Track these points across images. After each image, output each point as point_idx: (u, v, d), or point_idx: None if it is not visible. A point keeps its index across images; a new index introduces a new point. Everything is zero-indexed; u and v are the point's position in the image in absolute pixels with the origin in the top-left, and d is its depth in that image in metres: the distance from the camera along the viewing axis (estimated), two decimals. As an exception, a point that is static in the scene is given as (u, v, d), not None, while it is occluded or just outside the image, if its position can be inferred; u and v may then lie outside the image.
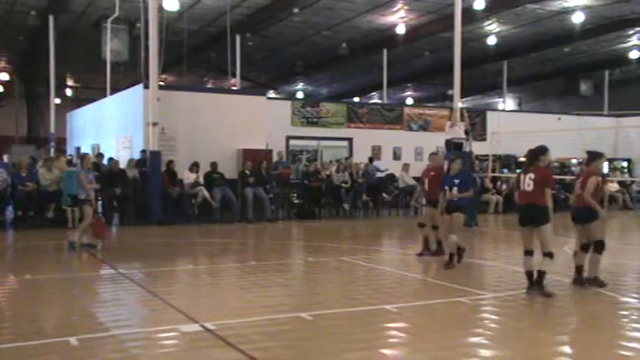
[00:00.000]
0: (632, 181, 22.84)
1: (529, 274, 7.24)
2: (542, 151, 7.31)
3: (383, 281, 8.39)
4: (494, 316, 6.50)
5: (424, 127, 22.39)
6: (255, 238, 14.01)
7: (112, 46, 21.16)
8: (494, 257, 11.04)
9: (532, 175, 7.18)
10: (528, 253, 7.30)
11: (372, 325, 6.19)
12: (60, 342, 5.39)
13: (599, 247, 7.69)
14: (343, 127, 21.22)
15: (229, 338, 5.49)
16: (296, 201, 17.91)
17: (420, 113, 22.80)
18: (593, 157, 7.88)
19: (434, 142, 20.65)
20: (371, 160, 19.96)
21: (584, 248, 7.77)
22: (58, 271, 9.44)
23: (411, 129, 22.27)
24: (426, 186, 10.31)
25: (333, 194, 17.83)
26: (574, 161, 23.27)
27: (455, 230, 9.27)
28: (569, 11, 21.85)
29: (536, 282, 7.13)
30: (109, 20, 20.57)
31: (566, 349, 5.48)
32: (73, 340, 5.38)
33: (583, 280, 7.80)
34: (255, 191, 16.43)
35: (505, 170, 21.46)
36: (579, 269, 7.85)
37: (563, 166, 22.72)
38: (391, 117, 22.15)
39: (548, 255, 7.15)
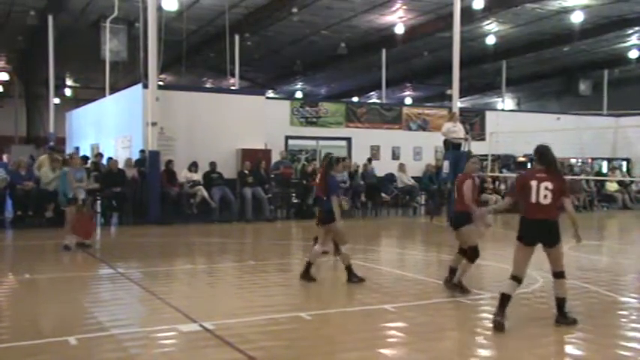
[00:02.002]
0: (632, 181, 22.85)
1: (505, 297, 5.90)
2: (552, 152, 6.06)
3: (382, 281, 8.39)
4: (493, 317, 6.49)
5: (423, 127, 22.39)
6: (254, 238, 14.01)
7: (111, 46, 21.16)
8: (493, 257, 11.04)
9: (550, 185, 5.84)
10: (517, 279, 5.95)
11: (370, 325, 6.18)
12: (59, 341, 5.39)
13: (472, 253, 7.17)
14: (342, 127, 21.21)
15: (228, 338, 5.49)
16: (295, 201, 17.90)
17: (419, 113, 22.79)
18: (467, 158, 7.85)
19: (433, 141, 20.68)
20: (370, 160, 19.95)
21: (461, 252, 7.32)
22: (57, 271, 9.43)
23: (409, 129, 22.27)
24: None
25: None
26: (573, 161, 23.27)
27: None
28: (568, 11, 21.86)
29: (558, 312, 6.07)
30: (108, 20, 20.56)
31: (566, 349, 5.48)
32: (72, 340, 5.38)
33: (449, 281, 7.43)
34: (253, 191, 16.43)
35: (504, 170, 21.46)
36: (451, 270, 7.43)
37: (562, 166, 22.71)
38: (390, 117, 22.14)
39: (563, 275, 6.07)
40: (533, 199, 5.85)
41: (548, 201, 5.83)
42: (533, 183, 5.87)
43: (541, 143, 6.08)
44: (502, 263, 9.98)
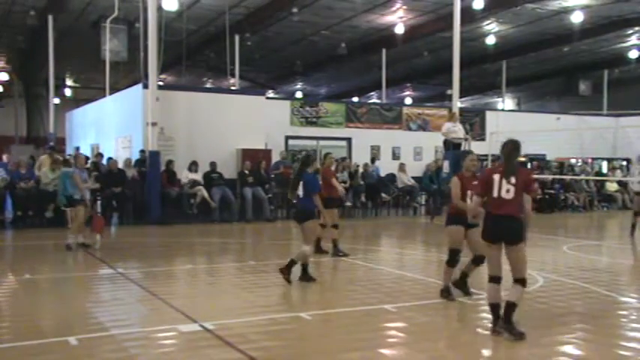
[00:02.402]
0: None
1: (495, 307, 5.70)
2: (519, 146, 5.77)
3: (382, 281, 8.39)
4: (492, 316, 6.49)
5: (423, 127, 22.40)
6: (254, 238, 14.01)
7: (111, 46, 21.16)
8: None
9: (513, 179, 5.56)
10: (495, 279, 5.71)
11: (371, 325, 6.19)
12: (59, 342, 5.39)
13: (449, 255, 7.06)
14: (342, 127, 21.21)
15: (228, 338, 5.49)
16: (295, 201, 17.88)
17: (419, 113, 22.80)
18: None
19: (433, 141, 20.68)
20: (373, 160, 19.95)
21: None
22: (57, 271, 9.44)
23: (409, 129, 22.28)
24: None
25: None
26: (573, 161, 23.29)
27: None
28: (569, 11, 21.87)
29: (504, 317, 5.61)
30: (108, 20, 20.56)
31: (566, 349, 5.48)
32: (72, 340, 5.38)
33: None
34: (254, 191, 16.44)
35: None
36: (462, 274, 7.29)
37: (562, 166, 22.73)
38: (390, 117, 22.15)
39: (522, 282, 5.62)
40: (496, 194, 5.60)
41: (511, 196, 5.54)
42: (496, 177, 5.62)
43: (511, 138, 5.86)
44: (503, 264, 9.99)
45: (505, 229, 5.56)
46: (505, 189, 5.53)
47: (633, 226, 13.22)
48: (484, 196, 5.76)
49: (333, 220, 10.28)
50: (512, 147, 5.70)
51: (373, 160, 19.97)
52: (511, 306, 5.56)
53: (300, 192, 8.24)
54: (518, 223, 5.56)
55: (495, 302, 5.67)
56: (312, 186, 8.22)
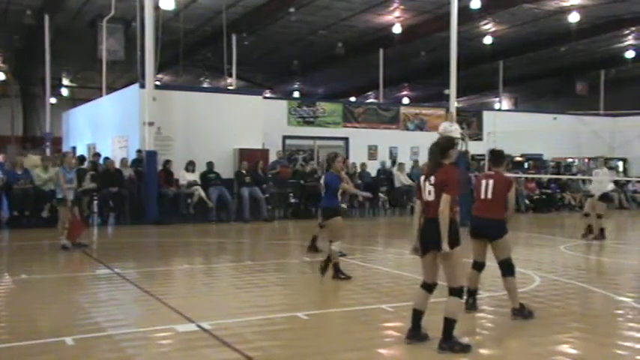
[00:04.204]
0: (628, 181, 22.91)
1: (418, 313, 5.36)
2: (450, 144, 5.38)
3: (379, 281, 8.39)
4: (490, 316, 6.50)
5: (420, 127, 22.41)
6: (252, 238, 14.00)
7: (107, 46, 21.11)
8: (490, 257, 11.04)
9: (432, 180, 5.19)
10: (426, 287, 5.35)
11: (368, 325, 6.18)
12: (56, 342, 5.37)
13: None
14: (339, 127, 21.21)
15: (225, 338, 5.48)
16: (292, 200, 17.90)
17: (416, 113, 22.81)
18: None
19: (430, 141, 20.62)
20: (394, 163, 19.90)
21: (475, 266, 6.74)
22: (54, 271, 9.42)
23: (407, 128, 22.28)
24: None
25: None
26: (570, 160, 23.33)
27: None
28: (565, 11, 21.91)
29: (443, 335, 5.10)
30: (105, 19, 20.52)
31: (563, 348, 5.49)
32: (68, 340, 5.37)
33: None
34: (251, 191, 16.42)
35: (501, 170, 21.46)
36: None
37: (559, 166, 22.78)
38: (387, 116, 22.15)
39: (457, 293, 5.13)
40: (423, 197, 5.25)
41: (431, 198, 5.15)
42: (422, 179, 5.32)
43: (444, 135, 5.64)
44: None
45: (428, 234, 5.16)
46: (427, 190, 5.20)
47: (590, 227, 13.09)
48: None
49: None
50: (433, 146, 5.35)
51: (394, 163, 19.95)
52: (450, 322, 5.06)
53: (323, 191, 8.42)
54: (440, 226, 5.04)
55: (417, 309, 5.34)
56: (334, 184, 8.35)
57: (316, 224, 10.49)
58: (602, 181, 13.25)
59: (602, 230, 12.87)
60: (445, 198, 5.05)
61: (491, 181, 6.31)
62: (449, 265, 5.11)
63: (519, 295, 6.40)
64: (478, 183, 6.49)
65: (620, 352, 5.36)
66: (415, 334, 5.35)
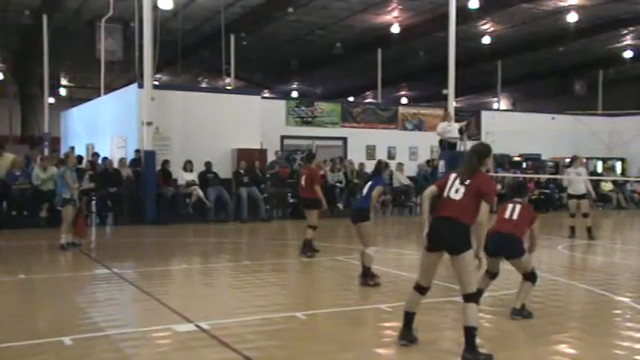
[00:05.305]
0: (626, 181, 22.93)
1: (409, 315, 5.34)
2: (488, 152, 5.28)
3: (378, 280, 8.38)
4: (489, 316, 6.51)
5: (419, 127, 22.41)
6: (250, 238, 14.00)
7: (106, 46, 21.09)
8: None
9: (468, 182, 5.13)
10: (419, 289, 5.31)
11: (366, 325, 6.18)
12: (53, 342, 5.37)
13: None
14: (338, 127, 21.21)
15: (224, 338, 5.48)
16: (291, 200, 17.89)
17: (415, 113, 22.81)
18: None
19: (428, 141, 20.68)
20: (400, 166, 19.76)
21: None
22: (52, 271, 9.41)
23: (405, 128, 22.29)
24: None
25: (328, 194, 17.79)
26: (567, 160, 23.31)
27: None
28: (563, 11, 21.93)
29: (466, 344, 4.95)
30: (103, 19, 20.50)
31: (562, 348, 5.49)
32: (66, 340, 5.36)
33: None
34: (249, 191, 16.42)
35: (499, 169, 21.49)
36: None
37: (558, 166, 22.78)
38: (386, 116, 22.15)
39: (473, 299, 4.95)
40: (448, 194, 5.14)
41: (458, 197, 5.07)
42: (452, 176, 5.24)
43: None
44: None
45: (442, 232, 5.05)
46: (455, 189, 5.13)
47: (573, 228, 13.09)
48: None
49: (312, 222, 10.28)
50: (472, 152, 5.26)
51: (401, 166, 19.78)
52: (469, 330, 4.90)
53: (365, 191, 8.08)
54: None
55: (409, 311, 5.30)
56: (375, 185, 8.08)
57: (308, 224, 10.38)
58: (583, 181, 13.27)
59: (589, 230, 12.82)
60: (485, 208, 5.02)
61: (518, 207, 6.46)
62: (462, 269, 4.91)
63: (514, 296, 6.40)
64: (503, 207, 6.58)
65: (618, 352, 5.37)
66: (406, 335, 5.28)
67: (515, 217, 6.39)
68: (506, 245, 6.28)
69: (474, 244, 5.01)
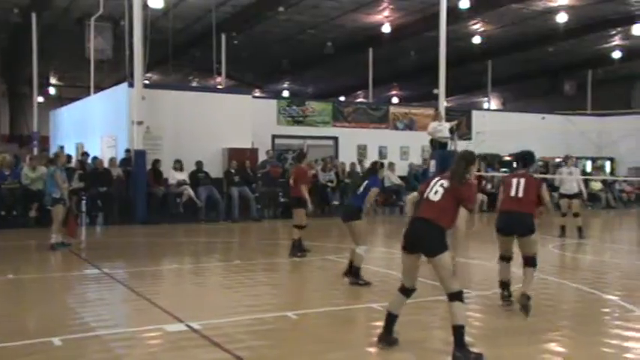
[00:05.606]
0: (615, 180, 23.08)
1: (392, 317, 5.27)
2: (473, 160, 5.28)
3: (368, 279, 8.38)
4: (479, 314, 6.54)
5: (410, 127, 22.46)
6: (241, 238, 13.98)
7: (95, 45, 20.98)
8: (480, 256, 11.09)
9: (446, 184, 5.17)
10: (404, 291, 5.31)
11: (357, 324, 6.19)
12: (43, 342, 5.33)
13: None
14: (329, 126, 21.22)
15: (215, 338, 5.47)
16: (282, 200, 17.88)
17: (406, 112, 22.87)
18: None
19: (419, 141, 20.74)
20: (390, 165, 19.69)
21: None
22: (42, 271, 9.35)
23: (396, 128, 22.33)
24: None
25: (319, 193, 17.83)
26: (557, 160, 23.43)
27: None
28: (553, 11, 22.04)
29: (455, 343, 4.91)
30: (93, 18, 20.39)
31: (552, 346, 5.52)
32: (56, 341, 5.33)
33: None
34: (240, 190, 16.40)
35: (489, 169, 21.58)
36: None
37: (547, 165, 22.89)
38: (377, 116, 22.18)
39: (457, 297, 4.91)
40: (428, 195, 5.21)
41: (436, 198, 5.09)
42: (437, 179, 5.31)
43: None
44: (490, 262, 10.05)
45: (419, 233, 5.07)
46: (434, 190, 5.15)
47: (564, 227, 13.19)
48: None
49: (300, 221, 10.26)
50: (459, 158, 5.26)
51: (392, 165, 19.70)
52: (457, 329, 4.87)
53: (361, 189, 8.01)
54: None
55: (392, 312, 5.24)
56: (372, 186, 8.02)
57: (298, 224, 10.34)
58: (575, 180, 13.35)
59: (580, 229, 12.90)
60: (464, 213, 5.03)
61: (522, 180, 6.49)
62: (442, 270, 4.90)
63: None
64: (508, 182, 6.63)
65: (607, 350, 5.41)
66: (385, 338, 5.21)
67: (520, 194, 6.42)
68: (516, 224, 6.41)
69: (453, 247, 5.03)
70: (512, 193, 6.46)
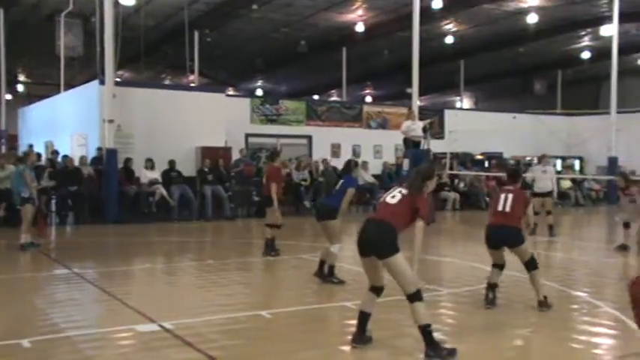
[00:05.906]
0: (584, 179, 23.51)
1: (364, 315, 5.27)
2: (431, 175, 5.32)
3: (341, 278, 8.41)
4: (451, 312, 6.61)
5: (383, 125, 22.57)
6: (214, 237, 13.90)
7: (65, 41, 20.61)
8: (452, 254, 11.21)
9: (405, 190, 5.25)
10: (373, 290, 5.33)
11: (331, 323, 6.21)
12: (11, 344, 5.23)
13: None
14: (303, 125, 21.22)
15: (188, 337, 5.43)
16: (256, 199, 17.82)
17: (379, 111, 22.98)
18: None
19: (392, 140, 20.86)
20: (364, 163, 19.62)
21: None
22: (10, 271, 9.16)
23: (370, 127, 22.42)
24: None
25: (293, 192, 17.82)
26: (528, 159, 23.79)
27: None
28: (524, 12, 22.35)
29: (425, 342, 4.92)
30: (63, 14, 20.04)
31: (521, 342, 5.61)
32: (24, 343, 5.24)
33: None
34: (213, 189, 16.30)
35: (462, 168, 21.81)
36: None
37: (519, 164, 23.20)
38: (350, 115, 22.25)
39: (415, 297, 4.91)
40: (385, 198, 5.35)
41: (393, 201, 5.17)
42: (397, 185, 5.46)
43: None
44: (462, 260, 10.16)
45: (371, 236, 5.10)
46: (392, 194, 5.24)
47: (535, 225, 13.41)
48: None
49: (275, 220, 10.22)
50: (417, 172, 5.31)
51: (365, 164, 19.59)
52: (423, 328, 4.88)
53: (337, 188, 8.06)
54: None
55: (364, 310, 5.25)
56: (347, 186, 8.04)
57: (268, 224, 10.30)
58: (549, 179, 13.56)
59: (551, 227, 13.11)
60: (420, 224, 4.97)
61: (510, 195, 6.65)
62: (396, 273, 4.89)
63: (480, 291, 6.51)
64: (496, 197, 6.86)
65: (575, 345, 5.51)
66: (359, 337, 5.22)
67: (507, 208, 6.58)
68: (505, 237, 6.60)
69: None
70: (500, 208, 6.64)
